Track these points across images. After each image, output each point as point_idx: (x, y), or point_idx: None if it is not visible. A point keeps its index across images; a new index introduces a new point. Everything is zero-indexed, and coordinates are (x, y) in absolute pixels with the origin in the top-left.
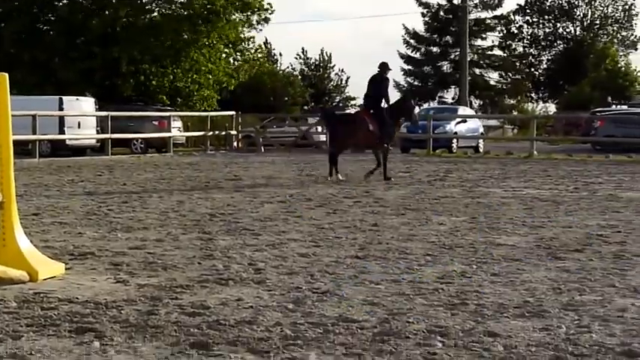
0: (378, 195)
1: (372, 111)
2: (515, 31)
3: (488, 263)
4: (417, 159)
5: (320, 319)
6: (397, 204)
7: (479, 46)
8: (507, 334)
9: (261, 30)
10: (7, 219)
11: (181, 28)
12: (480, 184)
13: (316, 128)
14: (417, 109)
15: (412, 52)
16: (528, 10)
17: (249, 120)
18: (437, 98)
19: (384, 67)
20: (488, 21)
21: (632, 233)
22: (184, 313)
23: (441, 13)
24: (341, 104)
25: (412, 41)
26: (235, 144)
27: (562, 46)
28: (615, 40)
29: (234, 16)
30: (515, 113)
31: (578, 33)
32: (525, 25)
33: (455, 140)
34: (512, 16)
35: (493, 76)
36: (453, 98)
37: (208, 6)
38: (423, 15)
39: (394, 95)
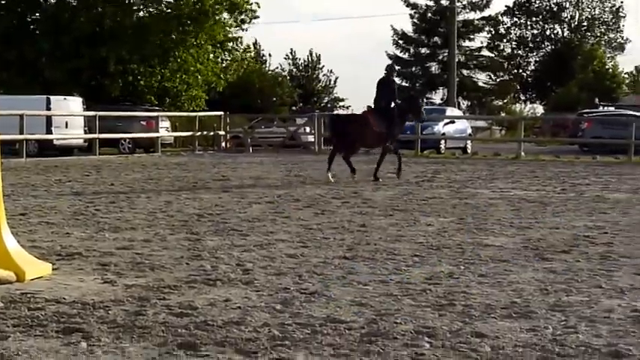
0: (366, 196)
1: (381, 112)
2: (503, 33)
3: (476, 264)
4: (405, 160)
5: (308, 319)
6: (385, 205)
7: (467, 47)
8: (495, 335)
9: (247, 30)
10: None
11: (169, 28)
12: (468, 185)
13: (304, 129)
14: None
15: (401, 52)
16: (516, 12)
17: (237, 120)
18: (425, 99)
19: (391, 69)
20: (477, 22)
21: (618, 234)
22: (172, 313)
23: (429, 14)
24: (329, 105)
25: (401, 42)
26: (223, 144)
27: (550, 47)
28: (603, 42)
29: (222, 16)
30: (503, 114)
31: (565, 35)
32: (513, 27)
33: (443, 141)
34: (500, 18)
35: (481, 77)
36: (441, 99)
37: (197, 6)
38: (411, 16)
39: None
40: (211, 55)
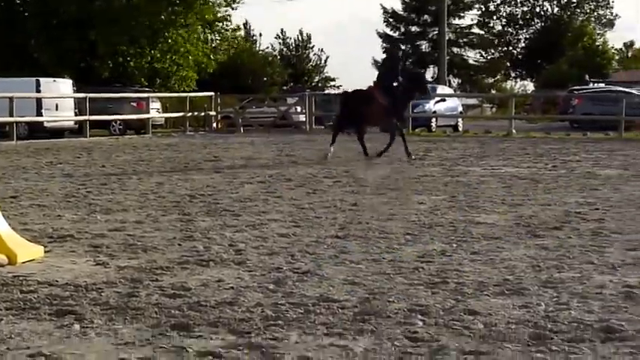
0: (357, 175)
1: (386, 89)
2: (493, 10)
3: (468, 242)
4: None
5: (301, 299)
6: (377, 183)
7: (457, 24)
8: (487, 312)
9: (236, 8)
10: None
11: (159, 9)
12: (459, 162)
13: (295, 108)
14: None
15: (391, 31)
16: None
17: (228, 101)
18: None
19: (396, 47)
20: None
21: (609, 210)
22: (165, 294)
23: None
24: (320, 84)
25: (391, 20)
26: (214, 125)
27: (540, 24)
28: (592, 19)
29: None
30: (493, 92)
31: (555, 11)
32: (503, 4)
33: (434, 119)
34: None
35: (471, 55)
36: (431, 77)
37: None
38: None
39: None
40: (201, 36)
